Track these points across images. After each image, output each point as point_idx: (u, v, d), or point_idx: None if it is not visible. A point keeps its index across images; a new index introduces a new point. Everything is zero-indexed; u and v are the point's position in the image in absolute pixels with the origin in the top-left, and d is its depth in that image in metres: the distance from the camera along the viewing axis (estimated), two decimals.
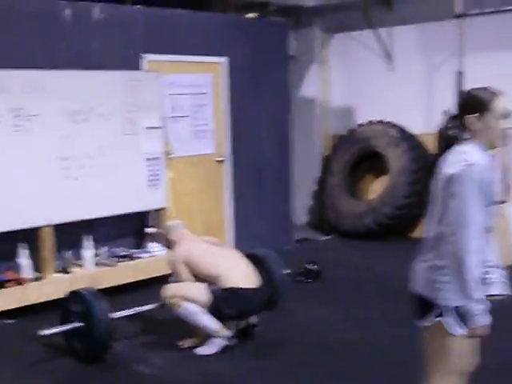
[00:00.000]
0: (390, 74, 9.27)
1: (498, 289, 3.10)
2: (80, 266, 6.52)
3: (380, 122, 9.04)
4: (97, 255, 6.60)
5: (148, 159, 6.91)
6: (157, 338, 5.49)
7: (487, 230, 3.00)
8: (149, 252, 6.92)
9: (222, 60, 7.80)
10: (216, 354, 5.03)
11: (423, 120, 8.76)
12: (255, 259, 5.95)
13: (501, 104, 3.03)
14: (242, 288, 4.99)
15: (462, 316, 2.93)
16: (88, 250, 6.46)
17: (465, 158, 2.95)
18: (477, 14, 7.59)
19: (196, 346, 5.13)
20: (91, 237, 6.51)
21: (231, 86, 7.90)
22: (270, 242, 7.65)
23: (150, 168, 6.94)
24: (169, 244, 5.41)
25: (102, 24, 6.83)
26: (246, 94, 8.06)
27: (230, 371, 4.80)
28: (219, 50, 7.78)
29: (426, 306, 3.04)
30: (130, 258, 6.80)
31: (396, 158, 8.69)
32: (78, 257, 6.53)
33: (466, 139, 3.05)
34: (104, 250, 6.69)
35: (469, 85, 7.64)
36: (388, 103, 9.15)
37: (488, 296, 3.02)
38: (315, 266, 7.06)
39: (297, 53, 9.99)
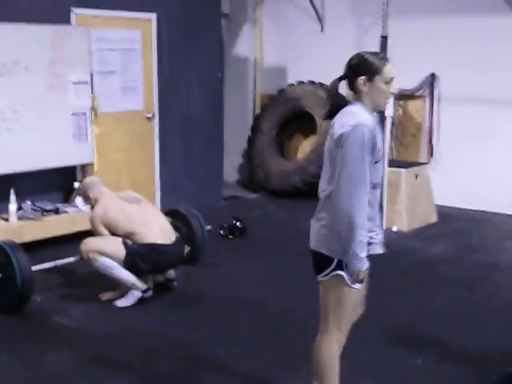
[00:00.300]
0: (321, 34, 9.41)
1: (379, 248, 3.31)
2: (5, 219, 6.55)
3: (310, 82, 9.19)
4: (21, 208, 6.64)
5: (74, 114, 6.93)
6: (77, 290, 5.60)
7: (375, 187, 3.20)
8: (76, 207, 6.96)
9: (152, 16, 7.80)
10: (133, 306, 5.18)
11: None
12: (177, 215, 6.12)
13: (390, 69, 3.20)
14: (157, 243, 5.13)
15: (348, 266, 3.14)
16: (12, 204, 6.49)
17: (352, 118, 3.13)
18: None
19: (115, 299, 5.27)
20: (15, 190, 6.53)
21: (161, 42, 7.91)
22: (198, 199, 7.81)
23: (76, 123, 6.96)
24: (87, 201, 5.49)
25: None
26: (176, 51, 8.07)
27: (145, 323, 4.97)
28: (149, 6, 7.77)
29: (321, 260, 3.23)
30: (56, 212, 6.84)
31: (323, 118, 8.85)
32: (5, 211, 6.56)
33: (354, 100, 3.23)
34: (28, 203, 6.73)
35: (393, 49, 7.99)
36: (318, 64, 9.28)
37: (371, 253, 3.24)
38: (239, 223, 7.23)
39: (231, 12, 10.05)
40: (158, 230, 5.23)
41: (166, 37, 7.95)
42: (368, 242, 3.15)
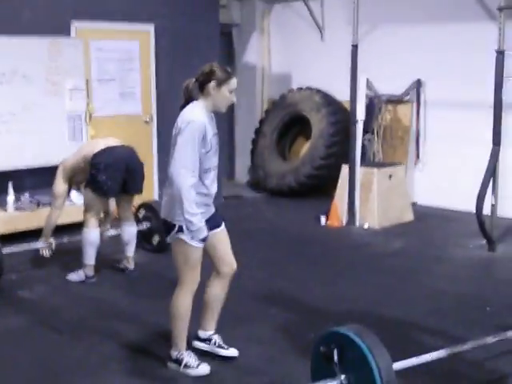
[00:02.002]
0: (321, 43, 9.96)
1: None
2: (5, 210, 7.40)
3: (308, 88, 9.74)
4: (20, 200, 7.47)
5: (69, 117, 7.72)
6: (46, 270, 6.37)
7: (207, 171, 4.00)
8: (70, 201, 7.73)
9: (150, 28, 8.53)
10: (93, 283, 5.99)
11: (346, 88, 9.41)
12: (148, 207, 6.83)
13: (234, 82, 4.03)
14: (106, 147, 5.94)
15: (188, 231, 3.90)
16: (10, 195, 7.33)
17: (190, 115, 3.93)
18: None
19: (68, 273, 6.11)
20: (16, 185, 7.39)
21: (159, 52, 8.62)
22: None
23: (72, 125, 7.75)
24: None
25: None
26: (175, 59, 8.73)
27: (97, 295, 5.74)
28: (148, 19, 8.50)
29: (167, 226, 4.05)
30: (50, 204, 7.60)
31: (317, 122, 9.41)
32: (5, 203, 7.41)
33: (198, 99, 4.02)
34: (26, 196, 7.55)
35: (381, 56, 8.46)
36: (318, 71, 9.85)
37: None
38: None
39: (241, 22, 10.71)
40: (104, 142, 6.05)
41: (164, 46, 8.65)
42: (202, 212, 3.95)
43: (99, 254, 6.16)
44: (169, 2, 8.71)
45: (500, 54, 6.81)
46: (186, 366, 4.19)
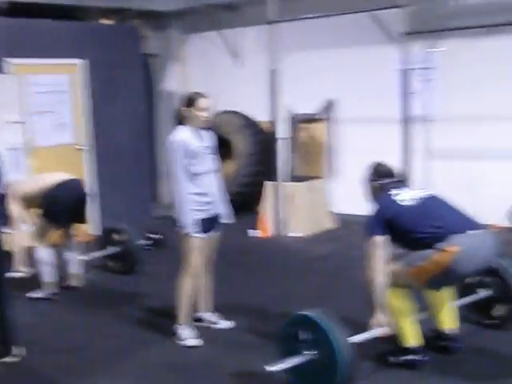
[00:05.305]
0: (237, 69, 10.70)
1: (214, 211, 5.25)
2: None
3: (227, 111, 10.43)
4: None
5: (9, 149, 8.11)
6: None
7: (204, 173, 5.04)
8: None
9: (79, 62, 9.03)
10: (50, 300, 6.44)
11: (265, 110, 10.15)
12: (113, 231, 7.31)
13: (204, 101, 4.91)
14: (57, 182, 6.44)
15: (183, 225, 4.99)
16: None
17: (171, 136, 4.95)
18: (288, 20, 8.98)
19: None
20: None
21: (89, 83, 9.13)
22: (129, 219, 8.92)
23: (12, 157, 8.14)
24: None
25: None
26: (103, 90, 9.29)
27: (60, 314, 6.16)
28: (76, 53, 9.01)
29: (175, 222, 5.07)
30: None
31: (239, 143, 10.10)
32: None
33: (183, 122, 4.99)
34: None
35: (296, 79, 9.23)
36: (236, 95, 10.57)
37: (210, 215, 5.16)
38: (158, 236, 8.37)
39: (159, 51, 11.33)
40: (56, 177, 6.55)
41: (93, 78, 9.16)
42: (200, 209, 5.01)
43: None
44: (94, 37, 9.24)
45: (403, 72, 7.74)
46: (178, 337, 5.21)
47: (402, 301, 4.55)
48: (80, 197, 6.64)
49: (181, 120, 5.05)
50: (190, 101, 4.96)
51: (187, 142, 4.94)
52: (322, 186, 9.16)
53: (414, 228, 4.41)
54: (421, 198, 4.55)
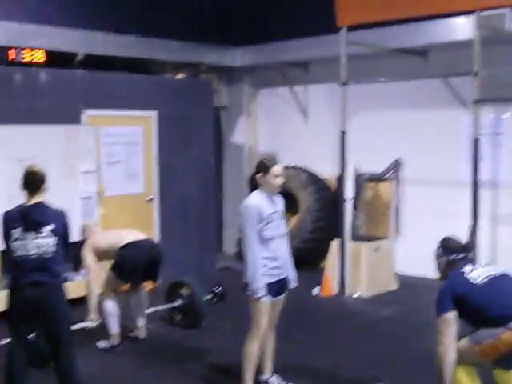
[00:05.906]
0: (305, 126, 10.82)
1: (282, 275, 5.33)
2: None
3: (293, 166, 10.53)
4: None
5: (83, 198, 8.34)
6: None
7: (271, 239, 5.12)
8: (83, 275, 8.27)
9: (152, 114, 9.28)
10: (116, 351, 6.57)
11: (330, 166, 10.22)
12: (181, 285, 7.41)
13: (277, 168, 5.03)
14: (130, 241, 6.63)
15: (254, 289, 5.05)
16: None
17: (246, 201, 5.05)
18: (361, 83, 9.11)
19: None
20: None
21: (160, 135, 9.37)
22: (195, 271, 9.03)
23: (84, 205, 8.36)
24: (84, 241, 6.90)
25: (48, 85, 8.28)
26: (174, 141, 9.52)
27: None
28: (150, 106, 9.27)
29: (244, 284, 5.14)
30: (65, 280, 8.13)
31: (304, 199, 10.17)
32: None
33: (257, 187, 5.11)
34: None
35: (363, 139, 9.29)
36: (302, 151, 10.69)
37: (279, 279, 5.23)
38: (220, 289, 8.42)
39: (229, 105, 11.55)
40: (135, 235, 6.79)
41: (164, 130, 9.40)
42: (270, 273, 5.10)
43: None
44: (168, 90, 9.50)
45: (475, 140, 7.72)
46: None
47: (469, 379, 4.51)
48: (153, 259, 6.79)
49: (255, 185, 5.16)
50: (264, 167, 5.08)
51: (260, 207, 5.05)
52: (388, 247, 9.13)
53: (486, 307, 4.40)
54: (493, 276, 4.53)
